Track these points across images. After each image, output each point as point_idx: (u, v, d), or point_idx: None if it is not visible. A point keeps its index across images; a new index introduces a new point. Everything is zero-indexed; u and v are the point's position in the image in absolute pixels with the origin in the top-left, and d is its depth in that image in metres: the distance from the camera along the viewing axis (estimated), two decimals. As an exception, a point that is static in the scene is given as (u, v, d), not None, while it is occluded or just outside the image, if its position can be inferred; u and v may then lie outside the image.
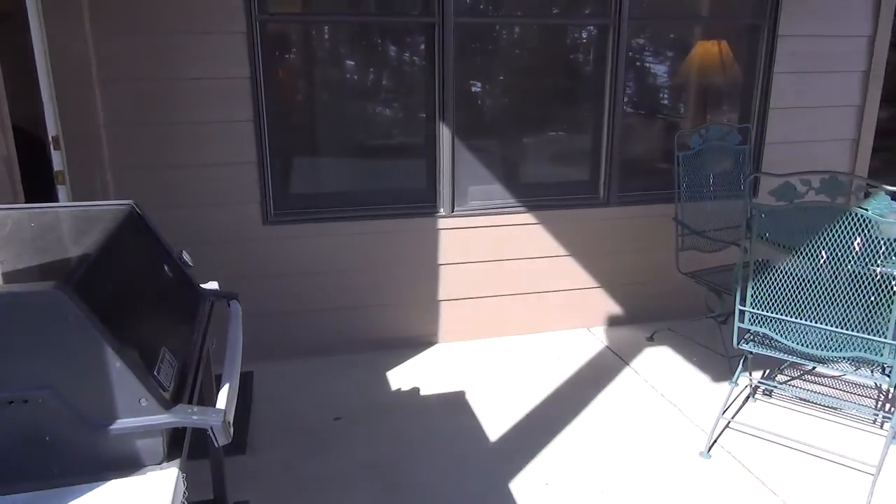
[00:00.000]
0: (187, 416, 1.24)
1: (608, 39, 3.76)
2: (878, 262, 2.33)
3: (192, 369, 1.45)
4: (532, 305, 3.98)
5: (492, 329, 3.96)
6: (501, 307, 3.93)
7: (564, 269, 3.97)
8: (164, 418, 1.21)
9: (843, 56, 4.12)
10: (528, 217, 3.84)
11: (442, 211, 3.72)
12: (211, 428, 1.24)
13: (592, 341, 3.93)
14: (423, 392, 3.35)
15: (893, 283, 2.32)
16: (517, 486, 2.61)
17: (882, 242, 2.31)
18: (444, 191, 3.70)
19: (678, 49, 4.08)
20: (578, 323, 4.09)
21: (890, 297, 2.34)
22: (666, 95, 4.17)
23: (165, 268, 1.72)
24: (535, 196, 3.87)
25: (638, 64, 3.97)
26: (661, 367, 3.62)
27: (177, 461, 1.26)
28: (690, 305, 3.94)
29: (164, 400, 1.22)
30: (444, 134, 3.62)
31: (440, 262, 3.76)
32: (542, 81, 3.90)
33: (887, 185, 2.36)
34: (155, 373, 1.26)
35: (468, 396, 3.29)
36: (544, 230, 3.87)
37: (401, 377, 3.50)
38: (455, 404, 3.23)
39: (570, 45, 3.92)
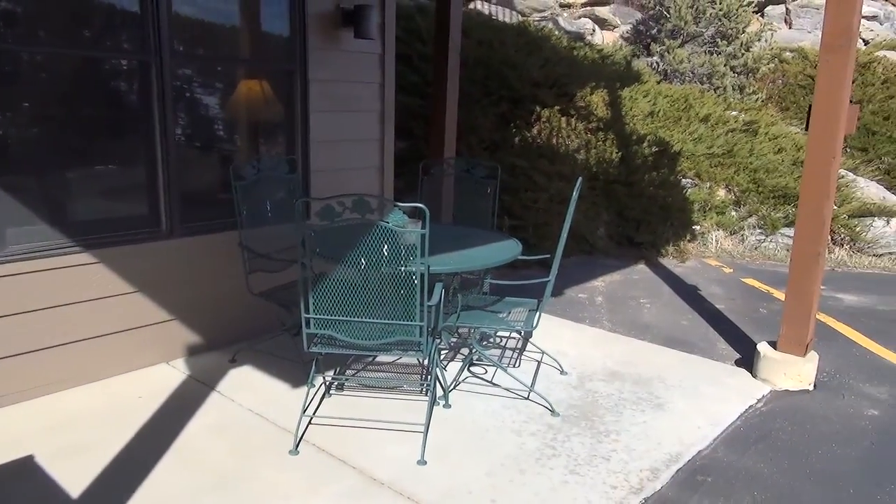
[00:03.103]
0: None
1: (152, 75, 3.79)
2: (403, 263, 2.96)
3: None
4: (102, 349, 3.74)
5: (58, 383, 3.59)
6: (66, 357, 3.60)
7: (134, 305, 3.84)
8: None
9: (363, 98, 4.96)
10: (85, 257, 3.61)
11: (-26, 260, 3.24)
12: None
13: (174, 374, 3.90)
14: (-24, 471, 2.88)
15: (415, 278, 2.97)
16: (111, 536, 2.50)
17: (403, 247, 2.94)
18: (-26, 237, 3.23)
19: (226, 86, 4.35)
20: (157, 358, 4.00)
21: (413, 289, 2.99)
22: (220, 129, 4.39)
23: None
24: (90, 234, 3.65)
25: (188, 97, 4.09)
26: (245, 384, 3.81)
27: None
28: (267, 322, 4.25)
29: None
30: (-32, 173, 3.17)
31: (-21, 319, 3.27)
32: (90, 115, 3.71)
33: (406, 201, 3.01)
34: None
35: (38, 460, 2.96)
36: (106, 268, 3.69)
37: (-59, 462, 2.93)
38: (22, 473, 2.87)
39: (116, 78, 3.81)
